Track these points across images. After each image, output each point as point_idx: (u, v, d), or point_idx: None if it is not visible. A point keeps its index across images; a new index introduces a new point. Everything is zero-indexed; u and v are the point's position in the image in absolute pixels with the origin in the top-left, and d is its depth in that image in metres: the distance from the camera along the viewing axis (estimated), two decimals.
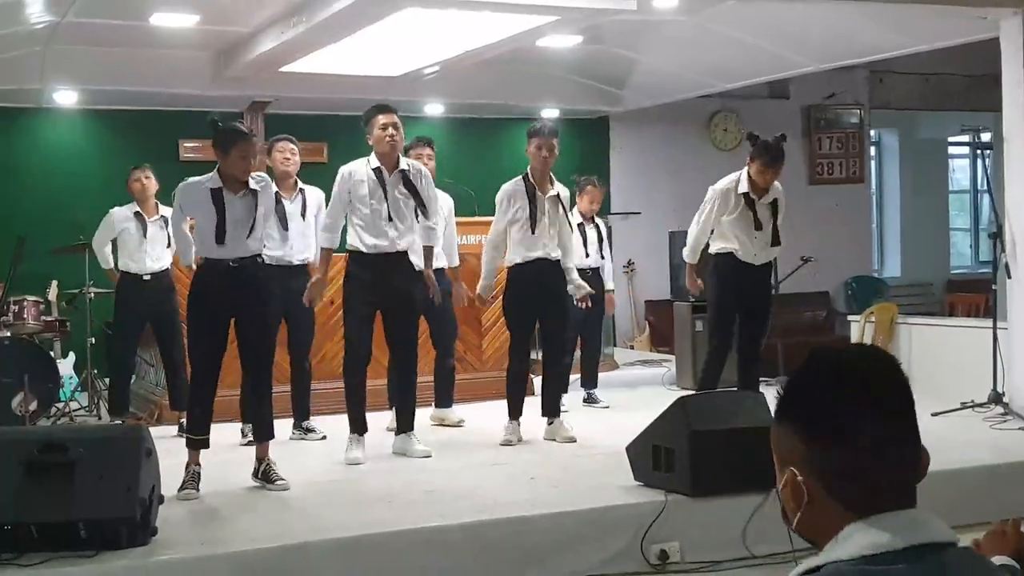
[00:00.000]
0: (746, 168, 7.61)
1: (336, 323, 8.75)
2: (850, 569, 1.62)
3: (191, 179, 6.53)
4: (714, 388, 7.57)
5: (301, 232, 7.92)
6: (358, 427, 7.15)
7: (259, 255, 6.43)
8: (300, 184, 8.00)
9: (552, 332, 7.82)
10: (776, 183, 7.66)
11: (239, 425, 7.60)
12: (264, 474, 6.34)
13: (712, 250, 7.75)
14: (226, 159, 6.28)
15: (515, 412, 7.70)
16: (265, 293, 6.47)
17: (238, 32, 9.56)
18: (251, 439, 7.48)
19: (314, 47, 9.06)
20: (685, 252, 7.89)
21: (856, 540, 1.64)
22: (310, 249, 7.92)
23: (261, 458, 6.40)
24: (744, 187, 7.56)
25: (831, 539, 1.68)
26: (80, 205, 11.02)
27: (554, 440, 7.63)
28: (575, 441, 7.59)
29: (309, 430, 8.05)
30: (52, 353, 9.29)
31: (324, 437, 7.90)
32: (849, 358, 1.76)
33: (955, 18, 8.83)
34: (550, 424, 7.74)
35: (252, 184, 6.37)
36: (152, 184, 8.61)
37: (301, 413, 8.10)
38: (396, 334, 7.22)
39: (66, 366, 9.67)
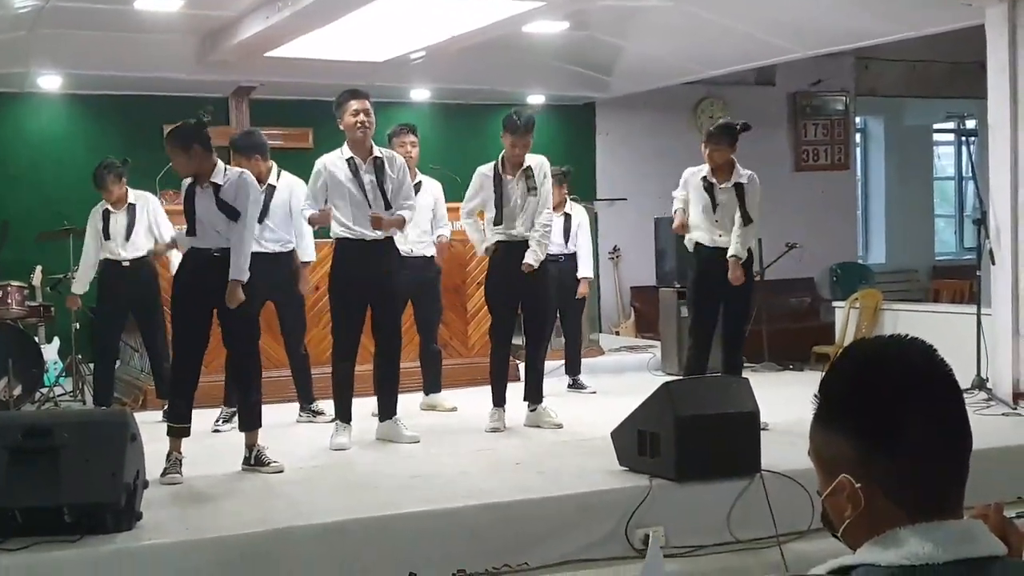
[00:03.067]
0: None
1: (322, 309, 8.75)
2: None
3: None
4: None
5: (281, 221, 7.91)
6: (345, 415, 7.15)
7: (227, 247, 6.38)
8: (275, 174, 7.98)
9: (534, 317, 7.79)
10: (748, 172, 7.65)
11: (211, 411, 7.57)
12: (256, 459, 6.33)
13: (687, 242, 7.84)
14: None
15: (499, 399, 7.70)
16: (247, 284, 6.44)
17: (223, 16, 9.53)
18: (224, 423, 7.50)
19: (300, 32, 9.04)
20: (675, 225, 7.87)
21: (899, 547, 1.59)
22: (291, 236, 7.94)
23: (251, 445, 6.39)
24: (705, 171, 7.65)
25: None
26: (64, 190, 11.00)
27: (539, 427, 7.63)
28: (562, 427, 7.59)
29: (317, 412, 8.06)
30: (36, 338, 9.28)
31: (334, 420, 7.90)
32: (892, 352, 1.67)
33: (941, 5, 8.85)
34: (532, 411, 7.72)
35: (218, 179, 6.35)
36: (119, 187, 8.45)
37: (305, 397, 8.10)
38: (381, 320, 7.21)
39: (50, 351, 9.65)
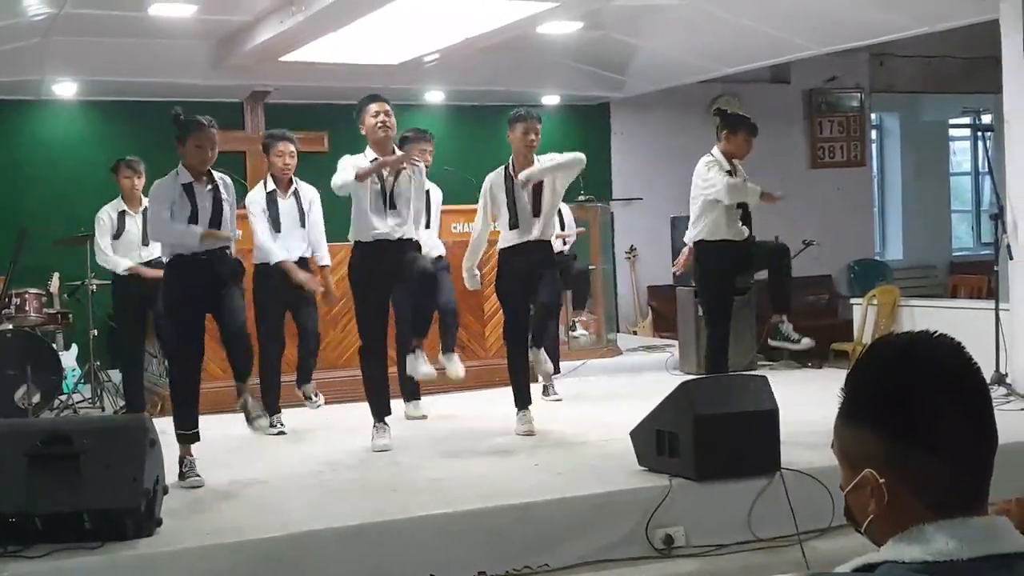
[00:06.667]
0: (717, 146, 7.57)
1: (337, 313, 8.76)
2: (906, 574, 1.55)
3: (160, 179, 6.47)
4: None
5: (296, 230, 7.85)
6: (380, 413, 7.16)
7: (227, 248, 6.44)
8: (296, 183, 7.93)
9: (546, 304, 7.57)
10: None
11: (227, 416, 7.34)
12: (243, 407, 6.45)
13: (690, 238, 7.72)
14: (183, 149, 6.30)
15: (524, 400, 7.60)
16: (234, 280, 6.47)
17: (237, 21, 9.55)
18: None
19: (314, 36, 9.05)
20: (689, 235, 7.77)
21: (924, 543, 1.58)
22: (307, 245, 7.88)
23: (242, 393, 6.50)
24: (726, 164, 7.53)
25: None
26: (80, 196, 11.02)
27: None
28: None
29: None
30: (54, 345, 9.30)
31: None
32: (920, 349, 1.66)
33: (955, 0, 8.82)
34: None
35: (217, 178, 6.40)
36: (141, 181, 8.54)
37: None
38: (402, 310, 7.25)
39: (69, 358, 9.67)
